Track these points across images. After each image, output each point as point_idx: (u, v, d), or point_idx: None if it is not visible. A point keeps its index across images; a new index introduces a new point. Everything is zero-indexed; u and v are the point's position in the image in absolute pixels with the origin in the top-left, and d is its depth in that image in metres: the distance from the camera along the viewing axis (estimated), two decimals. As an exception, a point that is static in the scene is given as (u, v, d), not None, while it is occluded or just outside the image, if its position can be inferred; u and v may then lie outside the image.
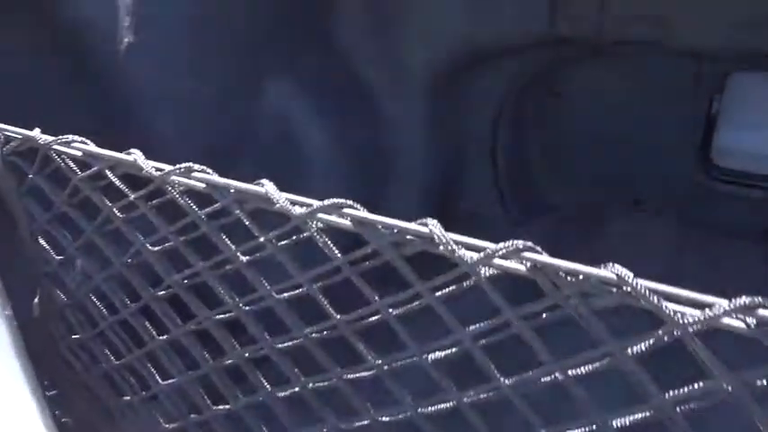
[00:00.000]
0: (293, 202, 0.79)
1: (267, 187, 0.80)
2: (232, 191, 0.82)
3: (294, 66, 2.10)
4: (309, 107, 2.12)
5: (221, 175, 0.84)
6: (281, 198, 0.79)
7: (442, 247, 0.69)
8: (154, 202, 0.91)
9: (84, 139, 0.94)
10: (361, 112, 2.29)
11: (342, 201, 0.75)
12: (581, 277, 0.62)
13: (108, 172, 0.91)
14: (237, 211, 0.83)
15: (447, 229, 0.74)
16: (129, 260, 1.00)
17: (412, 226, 0.72)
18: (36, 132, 0.96)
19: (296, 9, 2.11)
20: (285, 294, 0.86)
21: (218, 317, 0.95)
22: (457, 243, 0.70)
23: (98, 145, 0.92)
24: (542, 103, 2.64)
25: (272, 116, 2.08)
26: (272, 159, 2.12)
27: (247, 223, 0.83)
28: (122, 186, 0.91)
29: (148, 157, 0.86)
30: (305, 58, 2.15)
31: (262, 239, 0.83)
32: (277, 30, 2.04)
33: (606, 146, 2.62)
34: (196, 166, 0.84)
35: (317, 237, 0.78)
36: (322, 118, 2.15)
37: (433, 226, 0.70)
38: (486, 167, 2.68)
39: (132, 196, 0.91)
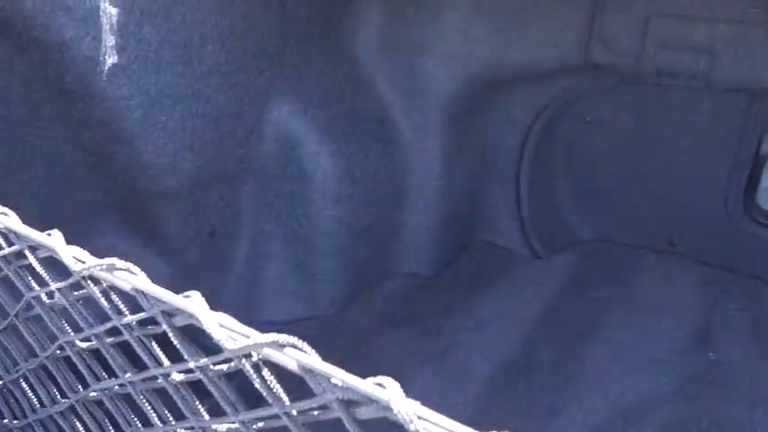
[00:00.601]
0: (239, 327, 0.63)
1: (195, 305, 0.63)
2: (158, 301, 0.66)
3: (303, 84, 1.94)
4: (318, 128, 1.96)
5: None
6: (212, 322, 0.62)
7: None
8: (78, 293, 0.76)
9: (5, 209, 0.79)
10: (375, 133, 2.12)
11: (286, 338, 0.59)
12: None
13: (28, 253, 0.76)
14: (164, 326, 0.67)
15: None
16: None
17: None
18: None
19: (307, 20, 1.94)
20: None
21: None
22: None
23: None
24: (572, 131, 2.44)
25: (277, 139, 1.92)
26: (276, 184, 1.97)
27: (176, 343, 0.67)
28: (42, 272, 0.76)
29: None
30: (315, 76, 1.99)
31: (192, 365, 0.67)
32: (284, 44, 1.88)
33: (640, 180, 2.41)
34: (120, 264, 0.68)
35: (253, 374, 0.62)
36: (332, 140, 1.98)
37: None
38: (509, 197, 2.49)
39: (53, 285, 0.76)
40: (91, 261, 0.70)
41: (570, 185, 2.55)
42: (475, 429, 0.49)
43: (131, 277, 0.67)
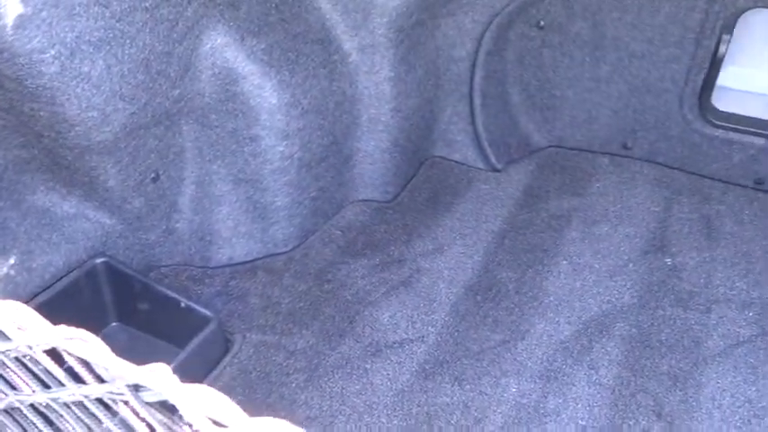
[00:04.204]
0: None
1: None
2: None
3: (236, 10, 1.77)
4: (258, 58, 1.81)
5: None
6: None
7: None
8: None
9: None
10: (319, 58, 1.98)
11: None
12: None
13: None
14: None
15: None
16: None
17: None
18: None
19: None
20: None
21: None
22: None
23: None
24: (525, 37, 2.34)
25: (214, 74, 1.78)
26: (218, 123, 1.84)
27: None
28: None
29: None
30: (247, 3, 1.82)
31: None
32: None
33: (595, 85, 2.36)
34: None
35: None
36: (276, 71, 1.84)
37: None
38: (463, 110, 2.41)
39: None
40: None
41: (524, 93, 2.48)
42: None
43: None
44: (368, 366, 1.67)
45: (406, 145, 2.27)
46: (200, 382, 1.54)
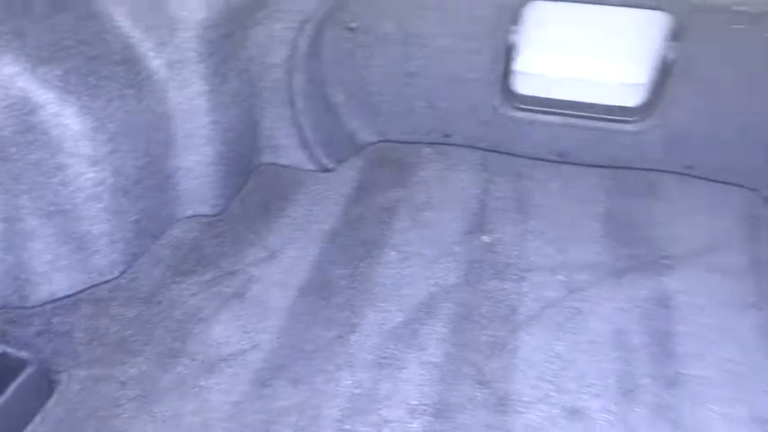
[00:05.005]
0: None
1: None
2: None
3: (23, 38, 1.69)
4: (53, 86, 1.74)
5: None
6: None
7: None
8: None
9: None
10: (125, 79, 1.93)
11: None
12: None
13: None
14: None
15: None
16: None
17: None
18: None
19: None
20: None
21: None
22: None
23: None
24: (338, 39, 2.42)
25: (8, 106, 1.69)
26: (19, 155, 1.75)
27: None
28: None
29: None
30: (37, 24, 1.74)
31: None
32: None
33: (409, 79, 2.48)
34: None
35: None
36: (75, 97, 1.78)
37: None
38: (286, 115, 2.45)
39: None
40: None
41: (345, 93, 2.56)
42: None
43: None
44: (203, 384, 1.67)
45: (232, 156, 2.28)
46: (22, 429, 1.48)
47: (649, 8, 2.17)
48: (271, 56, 2.32)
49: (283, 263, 2.05)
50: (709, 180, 2.44)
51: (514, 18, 2.27)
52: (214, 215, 2.24)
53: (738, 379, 1.71)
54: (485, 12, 2.25)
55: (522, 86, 2.47)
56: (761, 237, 2.19)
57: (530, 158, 2.53)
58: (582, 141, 2.47)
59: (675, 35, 2.18)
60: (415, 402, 1.63)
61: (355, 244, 2.13)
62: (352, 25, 2.37)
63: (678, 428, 1.59)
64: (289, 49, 2.33)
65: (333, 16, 2.36)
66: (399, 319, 1.86)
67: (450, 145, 2.60)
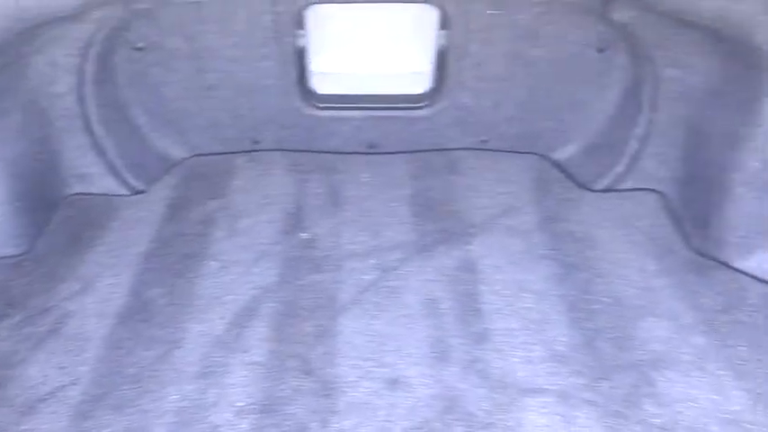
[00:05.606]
0: None
1: None
2: None
3: None
4: None
5: None
6: None
7: None
8: None
9: None
10: None
11: None
12: None
13: None
14: None
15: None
16: None
17: None
18: None
19: None
20: None
21: None
22: None
23: None
24: (128, 59, 2.38)
25: None
26: None
27: None
28: None
29: None
30: None
31: None
32: None
33: (207, 92, 2.50)
34: None
35: None
36: None
37: None
38: (87, 142, 2.38)
39: None
40: None
41: (147, 113, 2.53)
42: None
43: None
44: (23, 428, 1.61)
45: (28, 191, 2.18)
46: None
47: (418, 2, 2.35)
48: (56, 85, 2.25)
49: (99, 292, 2.01)
50: (504, 151, 2.68)
51: (299, 22, 2.37)
52: (19, 255, 2.14)
53: (534, 324, 1.91)
54: (264, 19, 2.31)
55: (322, 86, 2.58)
56: (549, 196, 2.45)
57: (340, 153, 2.64)
58: (385, 131, 2.63)
59: (444, 24, 2.38)
60: (241, 404, 1.67)
61: (173, 261, 2.13)
62: (140, 45, 2.35)
63: (487, 378, 1.75)
64: (75, 77, 2.27)
65: (118, 38, 2.32)
66: (222, 327, 1.89)
67: (261, 151, 2.65)
